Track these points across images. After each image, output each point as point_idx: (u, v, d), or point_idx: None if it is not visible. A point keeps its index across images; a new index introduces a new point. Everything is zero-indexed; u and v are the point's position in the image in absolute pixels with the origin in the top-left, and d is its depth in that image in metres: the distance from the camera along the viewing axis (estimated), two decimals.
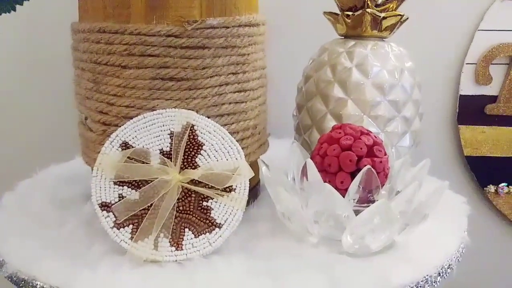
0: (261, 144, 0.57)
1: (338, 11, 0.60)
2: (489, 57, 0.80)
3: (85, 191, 0.58)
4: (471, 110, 0.83)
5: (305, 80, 0.61)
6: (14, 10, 0.61)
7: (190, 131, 0.47)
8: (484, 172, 0.84)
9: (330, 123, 0.56)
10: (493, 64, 0.80)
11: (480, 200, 0.86)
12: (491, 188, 0.84)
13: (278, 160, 0.57)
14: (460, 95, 0.82)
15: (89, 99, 0.52)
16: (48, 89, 0.85)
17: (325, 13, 0.61)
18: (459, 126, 0.83)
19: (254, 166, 0.55)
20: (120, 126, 0.48)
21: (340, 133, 0.48)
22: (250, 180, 0.47)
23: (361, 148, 0.46)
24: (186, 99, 0.49)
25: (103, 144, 0.48)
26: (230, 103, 0.52)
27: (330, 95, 0.57)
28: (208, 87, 0.50)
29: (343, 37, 0.60)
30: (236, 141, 0.49)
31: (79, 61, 0.53)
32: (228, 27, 0.50)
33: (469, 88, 0.82)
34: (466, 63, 0.81)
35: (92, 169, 0.55)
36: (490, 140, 0.83)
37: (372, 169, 0.44)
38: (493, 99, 0.82)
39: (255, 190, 0.58)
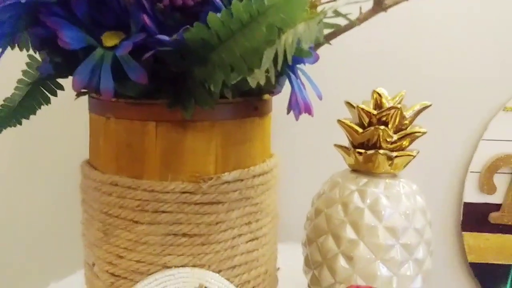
0: (271, 286, 0.56)
1: (348, 145, 0.60)
2: (493, 167, 0.80)
3: None
4: (475, 218, 0.83)
5: (315, 213, 0.60)
6: (20, 123, 0.61)
7: None
8: (488, 278, 0.84)
9: (342, 263, 0.56)
10: (497, 173, 0.81)
11: None
12: None
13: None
14: (464, 202, 0.82)
15: (97, 248, 0.51)
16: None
17: (336, 145, 0.61)
18: (463, 233, 0.83)
19: None
20: (128, 279, 0.47)
21: None
22: None
23: None
24: (198, 254, 0.48)
25: None
26: (242, 253, 0.51)
27: (342, 235, 0.56)
28: (221, 242, 0.49)
29: (354, 171, 0.60)
30: None
31: (88, 206, 0.52)
32: (242, 180, 0.49)
33: (473, 196, 0.82)
34: (470, 172, 0.82)
35: None
36: (494, 247, 0.83)
37: None
38: (497, 207, 0.82)
39: None
